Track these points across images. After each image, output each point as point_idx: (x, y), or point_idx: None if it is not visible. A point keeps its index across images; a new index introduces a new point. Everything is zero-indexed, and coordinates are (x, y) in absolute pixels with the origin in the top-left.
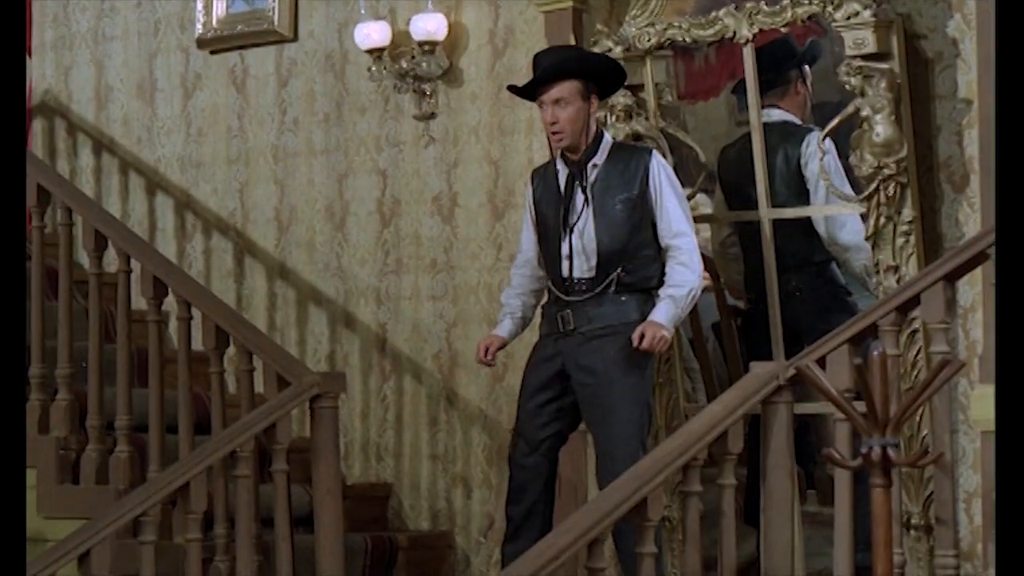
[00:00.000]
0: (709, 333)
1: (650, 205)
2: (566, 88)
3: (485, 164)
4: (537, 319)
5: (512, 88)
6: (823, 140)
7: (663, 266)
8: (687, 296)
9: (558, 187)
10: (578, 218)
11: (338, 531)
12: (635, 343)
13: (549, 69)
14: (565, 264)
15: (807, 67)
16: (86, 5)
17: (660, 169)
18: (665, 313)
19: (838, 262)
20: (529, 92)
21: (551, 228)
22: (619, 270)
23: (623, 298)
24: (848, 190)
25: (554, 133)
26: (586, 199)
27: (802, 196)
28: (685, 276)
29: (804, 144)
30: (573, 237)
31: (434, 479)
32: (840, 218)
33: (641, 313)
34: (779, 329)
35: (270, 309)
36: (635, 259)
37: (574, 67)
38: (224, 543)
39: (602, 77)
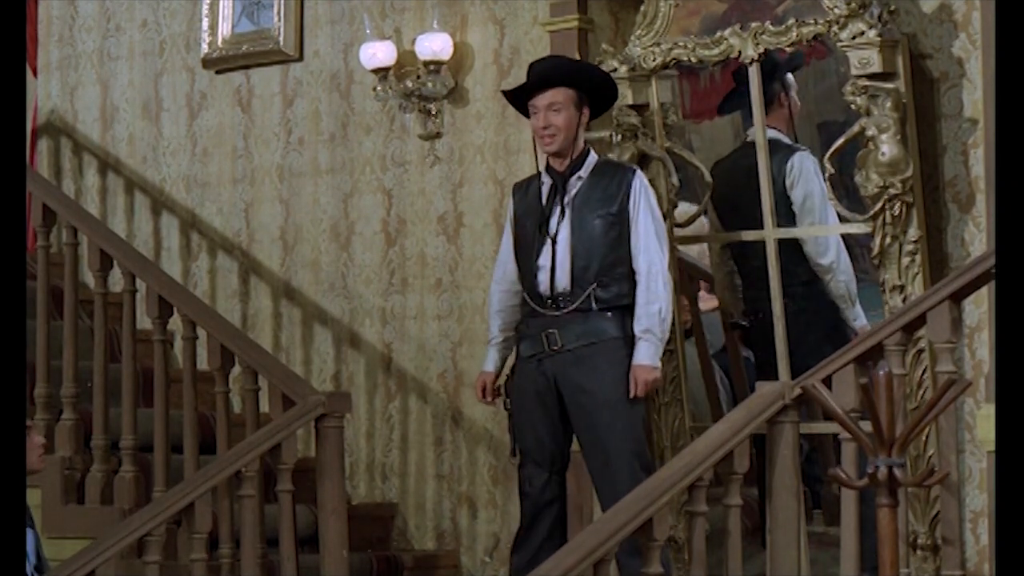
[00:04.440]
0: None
1: (627, 223)
2: (560, 94)
3: (490, 183)
4: None
5: (506, 92)
6: (827, 160)
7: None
8: (660, 326)
9: (540, 199)
10: (556, 230)
11: (343, 551)
12: (631, 392)
13: (544, 74)
14: (542, 276)
15: (790, 77)
16: (91, 25)
17: (642, 189)
18: (647, 353)
19: (823, 283)
20: (521, 101)
21: (528, 241)
22: (594, 286)
23: (607, 314)
24: (832, 217)
25: (546, 137)
26: (563, 212)
27: (788, 216)
28: (652, 307)
29: (788, 166)
30: (550, 249)
31: (439, 499)
32: (821, 239)
33: (622, 329)
34: (784, 348)
35: (275, 329)
36: (610, 275)
37: (569, 75)
38: (229, 563)
39: (595, 89)
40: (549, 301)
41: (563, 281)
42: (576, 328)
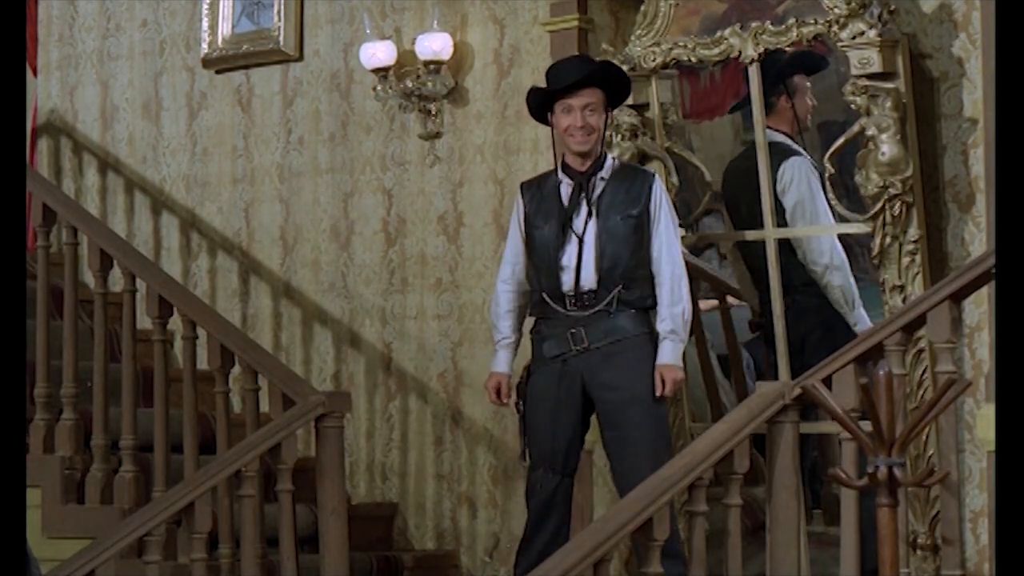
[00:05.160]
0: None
1: (649, 225)
2: (595, 95)
3: (490, 183)
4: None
5: (539, 90)
6: (827, 160)
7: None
8: (684, 328)
9: (559, 199)
10: (584, 229)
11: (343, 551)
12: (658, 391)
13: (588, 75)
14: (566, 276)
15: (797, 79)
16: (91, 25)
17: (662, 193)
18: (673, 353)
19: (819, 286)
20: (544, 101)
21: (548, 240)
22: (619, 287)
23: (630, 311)
24: (827, 218)
25: (581, 136)
26: (590, 211)
27: (782, 219)
28: (676, 308)
29: (780, 171)
30: (576, 248)
31: (439, 498)
32: (815, 245)
33: (644, 327)
34: (784, 347)
35: (275, 328)
36: (633, 277)
37: (603, 77)
38: (229, 563)
39: (620, 91)
40: (573, 300)
41: (589, 280)
42: (601, 326)
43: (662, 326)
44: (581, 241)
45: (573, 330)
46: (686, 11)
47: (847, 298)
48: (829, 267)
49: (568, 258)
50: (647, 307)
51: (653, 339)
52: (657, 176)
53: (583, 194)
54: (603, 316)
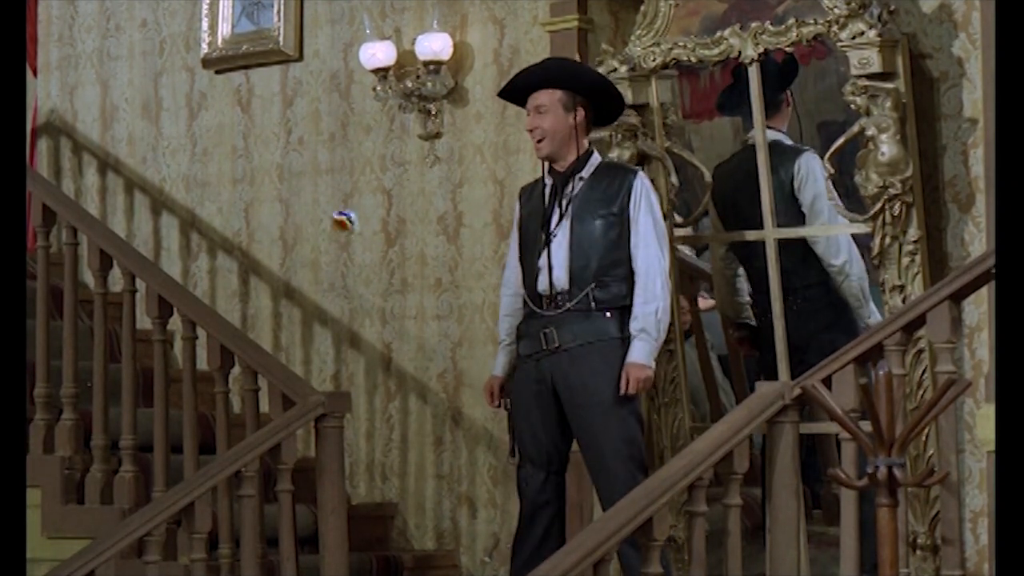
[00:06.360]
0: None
1: (627, 223)
2: (545, 96)
3: (490, 183)
4: None
5: (501, 95)
6: (827, 160)
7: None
8: (656, 326)
9: (543, 201)
10: (556, 231)
11: (343, 551)
12: (622, 389)
13: (529, 76)
14: (541, 277)
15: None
16: (91, 25)
17: (643, 190)
18: (641, 351)
19: (834, 285)
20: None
21: (530, 241)
22: (592, 286)
23: (605, 314)
24: (842, 216)
25: (534, 140)
26: (563, 212)
27: (797, 217)
28: (649, 307)
29: (796, 167)
30: (550, 249)
31: (439, 499)
32: (833, 241)
33: (622, 330)
34: (784, 348)
35: (275, 329)
36: (609, 276)
37: (556, 76)
38: (229, 563)
39: (591, 91)
40: (547, 300)
41: (561, 281)
42: (574, 327)
43: (633, 325)
44: (550, 241)
45: (545, 330)
46: (686, 11)
47: (864, 294)
48: (848, 262)
49: (543, 259)
50: (625, 307)
51: (628, 343)
52: (640, 174)
53: (558, 195)
54: (578, 317)
